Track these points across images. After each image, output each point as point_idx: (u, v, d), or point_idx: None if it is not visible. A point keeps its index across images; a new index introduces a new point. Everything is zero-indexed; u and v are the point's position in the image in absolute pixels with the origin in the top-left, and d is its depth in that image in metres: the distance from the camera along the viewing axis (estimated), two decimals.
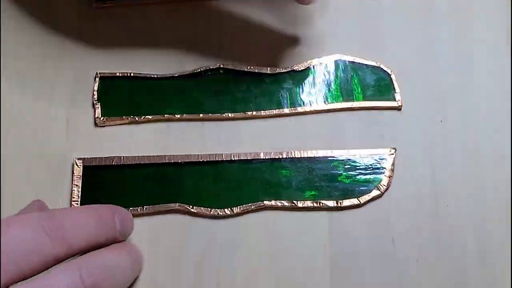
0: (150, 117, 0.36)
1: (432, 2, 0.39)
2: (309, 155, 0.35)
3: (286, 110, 0.36)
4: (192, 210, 0.34)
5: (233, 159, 0.35)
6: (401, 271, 0.33)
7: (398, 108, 0.36)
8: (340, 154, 0.35)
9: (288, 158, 0.35)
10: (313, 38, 0.38)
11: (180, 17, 0.38)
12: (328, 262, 0.33)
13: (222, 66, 0.37)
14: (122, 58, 0.37)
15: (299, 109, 0.36)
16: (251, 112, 0.36)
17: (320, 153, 0.35)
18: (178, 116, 0.36)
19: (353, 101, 0.36)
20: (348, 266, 0.33)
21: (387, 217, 0.34)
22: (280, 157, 0.35)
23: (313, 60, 0.37)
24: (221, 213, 0.34)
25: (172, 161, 0.35)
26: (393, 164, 0.35)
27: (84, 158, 0.35)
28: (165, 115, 0.36)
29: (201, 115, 0.36)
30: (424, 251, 0.33)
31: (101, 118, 0.36)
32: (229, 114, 0.36)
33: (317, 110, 0.36)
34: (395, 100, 0.36)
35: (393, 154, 0.35)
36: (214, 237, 0.34)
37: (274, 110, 0.36)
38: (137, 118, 0.36)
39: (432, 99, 0.37)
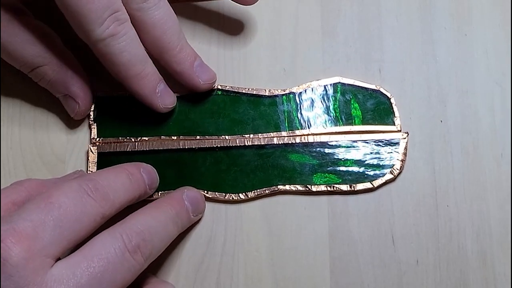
0: (146, 138, 0.38)
1: (431, 19, 0.41)
2: (322, 140, 0.38)
3: (284, 133, 0.38)
4: (207, 195, 0.37)
5: (246, 144, 0.38)
6: (400, 270, 0.36)
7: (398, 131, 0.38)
8: (353, 138, 0.38)
9: (301, 143, 0.38)
10: (312, 60, 0.40)
11: None
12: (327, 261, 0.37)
13: (219, 87, 0.39)
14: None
15: (297, 132, 0.38)
16: (248, 135, 0.38)
17: (333, 138, 0.38)
18: (175, 138, 0.38)
19: (352, 125, 0.38)
20: (347, 267, 0.36)
21: (387, 217, 0.37)
22: (294, 142, 0.38)
23: (312, 82, 0.39)
24: (236, 198, 0.37)
25: (187, 147, 0.38)
26: (405, 148, 0.38)
27: (98, 145, 0.38)
28: (162, 136, 0.38)
29: (198, 137, 0.38)
30: (424, 251, 0.37)
31: (97, 139, 0.38)
32: (226, 137, 0.38)
33: (316, 134, 0.38)
34: (394, 125, 0.38)
35: (405, 138, 0.38)
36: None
37: (272, 133, 0.38)
38: (133, 139, 0.38)
39: (431, 103, 0.39)
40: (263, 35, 0.40)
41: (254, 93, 0.39)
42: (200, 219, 0.37)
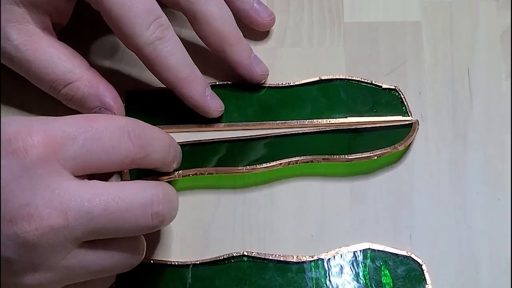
0: None
1: (462, 183, 0.52)
2: None
3: None
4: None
5: None
6: None
7: None
8: None
9: None
10: (341, 225, 0.51)
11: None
12: None
13: (245, 253, 0.50)
14: None
15: None
16: None
17: None
18: None
19: None
20: None
21: None
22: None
23: (341, 248, 0.49)
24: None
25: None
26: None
27: None
28: None
29: None
30: None
31: None
32: None
33: None
34: None
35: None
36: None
37: None
38: None
39: (463, 270, 0.49)
40: (290, 199, 0.52)
41: (281, 259, 0.49)
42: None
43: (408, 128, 0.53)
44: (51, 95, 0.51)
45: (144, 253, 0.45)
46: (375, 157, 0.52)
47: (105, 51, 0.58)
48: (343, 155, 0.52)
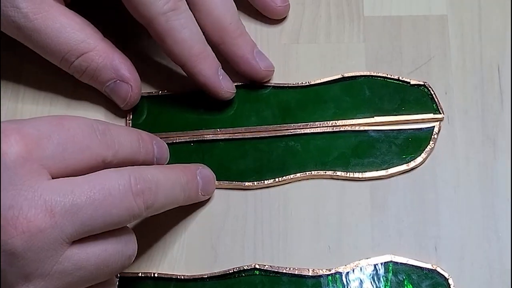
0: None
1: (492, 190, 0.50)
2: None
3: None
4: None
5: None
6: None
7: None
8: None
9: None
10: (361, 236, 0.49)
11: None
12: None
13: (257, 266, 0.47)
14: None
15: None
16: None
17: None
18: None
19: None
20: None
21: None
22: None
23: (361, 261, 0.47)
24: None
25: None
26: None
27: None
28: None
29: None
30: None
31: None
32: None
33: None
34: None
35: None
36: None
37: None
38: None
39: (493, 285, 0.48)
40: (305, 207, 0.50)
41: (296, 272, 0.47)
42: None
43: (428, 135, 0.53)
44: (45, 92, 0.52)
45: (136, 244, 0.43)
46: (389, 178, 0.52)
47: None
48: (356, 173, 0.52)
